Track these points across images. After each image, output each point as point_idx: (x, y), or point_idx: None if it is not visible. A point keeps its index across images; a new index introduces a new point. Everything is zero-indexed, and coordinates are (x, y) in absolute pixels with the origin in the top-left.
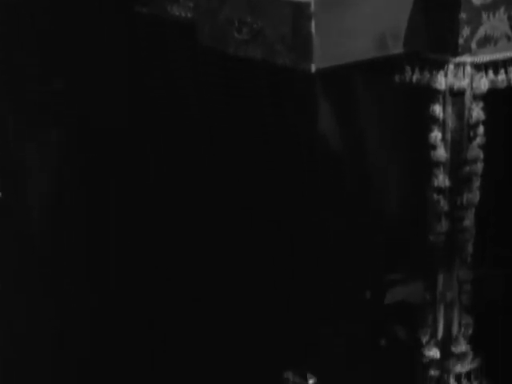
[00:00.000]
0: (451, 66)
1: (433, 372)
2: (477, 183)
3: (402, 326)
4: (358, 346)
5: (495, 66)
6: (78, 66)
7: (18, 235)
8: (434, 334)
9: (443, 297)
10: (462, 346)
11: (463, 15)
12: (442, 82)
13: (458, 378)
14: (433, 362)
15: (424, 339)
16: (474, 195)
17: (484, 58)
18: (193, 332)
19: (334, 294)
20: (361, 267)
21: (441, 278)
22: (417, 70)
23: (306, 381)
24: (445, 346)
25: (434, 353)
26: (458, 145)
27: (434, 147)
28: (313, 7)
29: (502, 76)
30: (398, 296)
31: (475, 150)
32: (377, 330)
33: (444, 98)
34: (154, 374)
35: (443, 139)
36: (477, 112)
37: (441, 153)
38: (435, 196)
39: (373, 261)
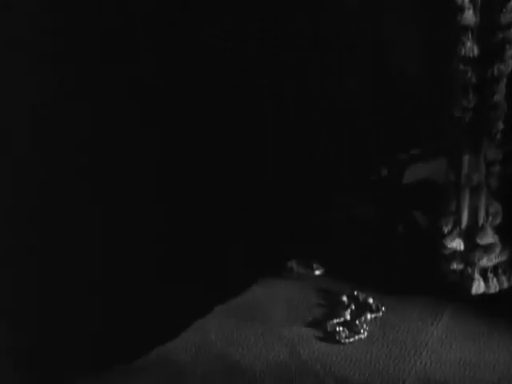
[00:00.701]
0: None
1: (455, 265)
2: (510, 52)
3: (422, 211)
4: (372, 232)
5: None
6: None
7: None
8: (457, 223)
9: (469, 180)
10: (488, 237)
11: None
12: None
13: (484, 272)
14: (456, 255)
15: (446, 228)
16: (506, 65)
17: None
18: (196, 218)
19: (346, 172)
20: (378, 140)
21: (466, 159)
22: None
23: (312, 271)
24: (469, 236)
25: (458, 244)
26: (489, 7)
27: (461, 9)
28: None
29: None
30: (418, 174)
31: (510, 14)
32: (393, 214)
33: None
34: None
35: (472, 0)
36: None
37: (469, 16)
38: (462, 66)
39: (392, 134)
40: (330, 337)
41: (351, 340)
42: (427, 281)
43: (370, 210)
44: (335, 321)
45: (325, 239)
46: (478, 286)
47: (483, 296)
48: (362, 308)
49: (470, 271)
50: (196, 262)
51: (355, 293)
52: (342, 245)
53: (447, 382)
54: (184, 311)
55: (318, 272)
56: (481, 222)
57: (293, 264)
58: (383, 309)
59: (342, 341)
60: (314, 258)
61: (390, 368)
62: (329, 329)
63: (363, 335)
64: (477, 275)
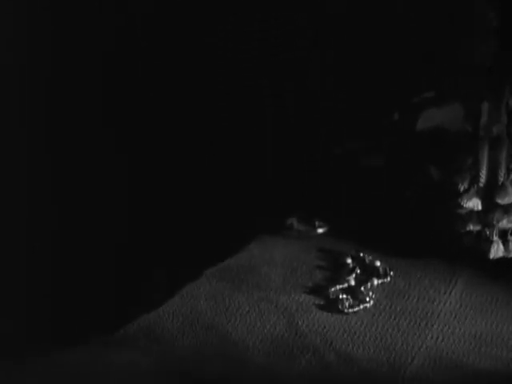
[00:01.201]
0: None
1: (472, 226)
2: None
3: (435, 164)
4: (382, 186)
5: None
6: None
7: None
8: (474, 180)
9: (488, 131)
10: (509, 196)
11: None
12: None
13: (503, 234)
14: (472, 215)
15: (462, 186)
16: None
17: None
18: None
19: (354, 117)
20: (385, 80)
21: (486, 107)
22: None
23: (315, 228)
24: (488, 195)
25: (475, 203)
26: None
27: None
28: None
29: None
30: (432, 120)
31: None
32: (405, 165)
33: None
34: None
35: None
36: None
37: None
38: (482, 8)
39: (404, 75)
40: (332, 305)
41: (355, 309)
42: (440, 243)
43: (379, 159)
44: (338, 287)
45: (329, 193)
46: (497, 250)
47: (502, 261)
48: (367, 272)
49: (487, 233)
50: (186, 219)
51: (361, 254)
52: (347, 200)
53: (460, 361)
54: (172, 274)
55: (320, 230)
56: (501, 179)
57: (293, 221)
58: (391, 273)
59: (346, 310)
60: (316, 214)
61: (398, 343)
62: (331, 296)
63: (368, 304)
64: (495, 238)
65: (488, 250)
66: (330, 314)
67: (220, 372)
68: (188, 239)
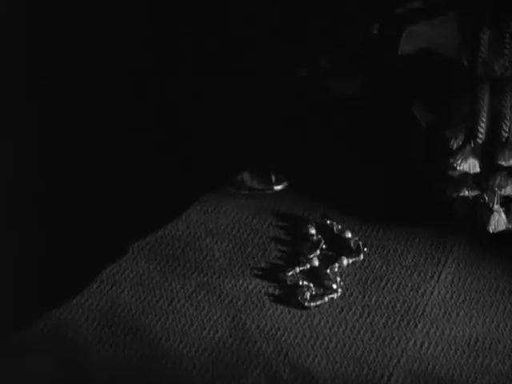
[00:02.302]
0: None
1: (467, 192)
2: None
3: (423, 103)
4: (353, 124)
5: None
6: None
7: None
8: (471, 134)
9: (489, 68)
10: None
11: None
12: None
13: (506, 201)
14: (468, 178)
15: (455, 142)
16: None
17: None
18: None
19: (315, 28)
20: None
21: (486, 36)
22: None
23: (271, 185)
24: (488, 154)
25: (471, 165)
26: None
27: None
28: None
29: None
30: (419, 41)
31: None
32: (383, 97)
33: None
34: None
35: None
36: None
37: None
38: None
39: None
40: (290, 296)
41: (318, 303)
42: (427, 210)
43: (354, 86)
44: (298, 269)
45: (289, 138)
46: (498, 222)
47: (504, 235)
48: (335, 247)
49: (486, 200)
50: (108, 177)
51: (328, 221)
52: (312, 147)
53: (450, 377)
54: (89, 252)
55: (278, 187)
56: (505, 134)
57: (244, 176)
58: (365, 250)
59: (306, 304)
60: (273, 165)
61: (372, 353)
62: (288, 282)
63: (336, 294)
64: (496, 206)
65: (487, 222)
66: (286, 308)
67: None
68: (110, 203)
